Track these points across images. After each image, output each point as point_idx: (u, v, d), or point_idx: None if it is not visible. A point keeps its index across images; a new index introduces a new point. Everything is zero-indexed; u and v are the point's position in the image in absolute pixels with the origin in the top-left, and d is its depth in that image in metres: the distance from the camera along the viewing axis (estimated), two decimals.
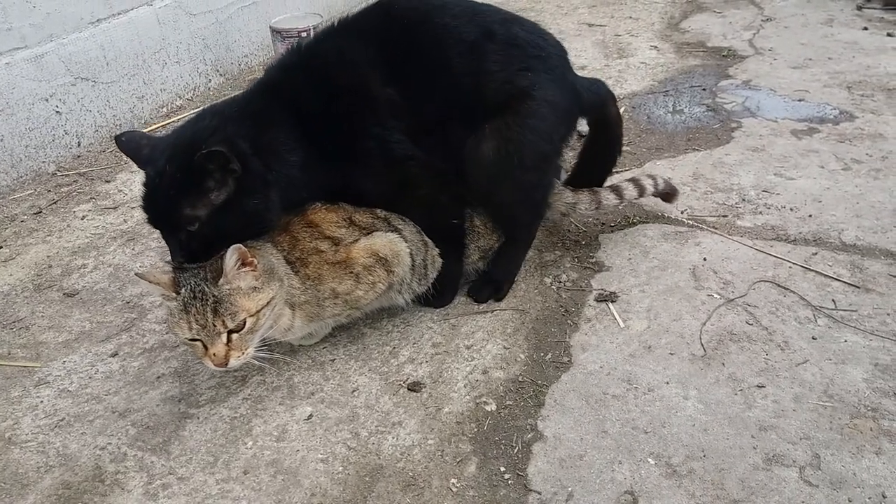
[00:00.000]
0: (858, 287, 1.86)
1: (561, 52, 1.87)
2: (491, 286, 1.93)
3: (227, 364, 1.46)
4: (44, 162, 2.72)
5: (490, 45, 1.73)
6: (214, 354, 1.45)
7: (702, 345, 1.72)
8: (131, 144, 1.61)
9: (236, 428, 1.59)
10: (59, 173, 2.73)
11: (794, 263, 1.96)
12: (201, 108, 1.70)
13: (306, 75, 1.69)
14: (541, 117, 1.74)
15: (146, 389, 1.72)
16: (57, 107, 2.72)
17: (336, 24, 1.77)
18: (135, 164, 1.63)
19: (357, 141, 1.67)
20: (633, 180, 2.05)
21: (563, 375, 1.67)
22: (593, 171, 2.10)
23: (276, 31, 3.15)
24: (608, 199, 2.02)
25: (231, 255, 1.44)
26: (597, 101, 1.95)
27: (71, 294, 2.07)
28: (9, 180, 2.61)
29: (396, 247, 1.69)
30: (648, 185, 2.06)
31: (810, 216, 2.17)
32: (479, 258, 1.93)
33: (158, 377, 1.75)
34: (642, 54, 3.52)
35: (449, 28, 1.73)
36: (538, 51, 1.78)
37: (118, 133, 1.63)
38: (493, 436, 1.53)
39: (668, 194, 2.12)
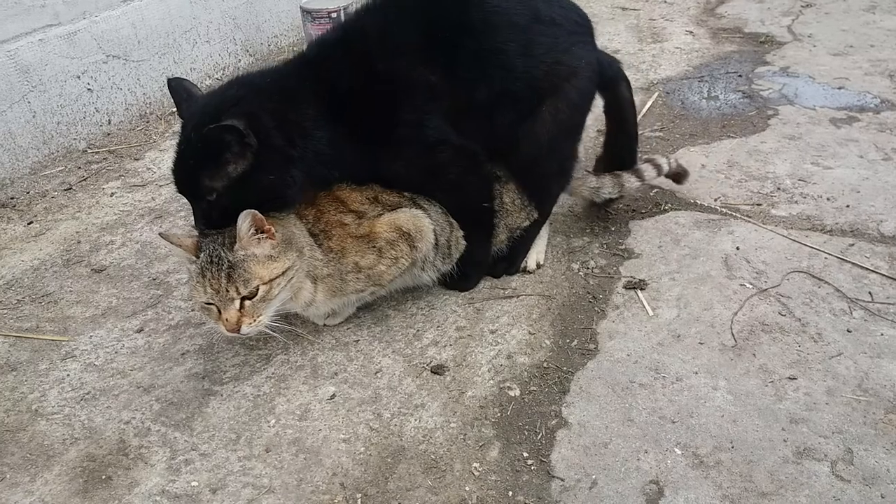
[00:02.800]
0: None
1: (589, 26, 1.87)
2: (505, 260, 1.93)
3: (238, 330, 1.47)
4: (75, 139, 2.74)
5: (538, 27, 1.72)
6: (227, 320, 1.46)
7: (732, 335, 1.68)
8: (178, 92, 1.63)
9: (259, 406, 1.59)
10: (89, 150, 2.75)
11: (829, 254, 1.91)
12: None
13: (345, 53, 1.66)
14: (582, 95, 1.79)
15: (171, 366, 1.72)
16: (88, 84, 2.74)
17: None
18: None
19: (391, 125, 1.64)
20: (650, 160, 2.06)
21: (589, 362, 1.64)
22: (616, 157, 2.07)
23: (306, 12, 3.13)
24: (630, 181, 2.01)
25: (243, 220, 1.43)
26: (611, 76, 1.94)
27: (99, 270, 2.09)
28: (40, 156, 2.64)
29: (420, 222, 1.68)
30: (663, 164, 2.06)
31: (848, 206, 2.11)
32: (508, 237, 1.90)
33: (183, 354, 1.76)
34: (677, 39, 3.45)
35: (500, 10, 1.70)
36: (575, 27, 1.79)
37: (170, 77, 1.65)
38: (517, 421, 1.51)
39: (679, 175, 2.11)
